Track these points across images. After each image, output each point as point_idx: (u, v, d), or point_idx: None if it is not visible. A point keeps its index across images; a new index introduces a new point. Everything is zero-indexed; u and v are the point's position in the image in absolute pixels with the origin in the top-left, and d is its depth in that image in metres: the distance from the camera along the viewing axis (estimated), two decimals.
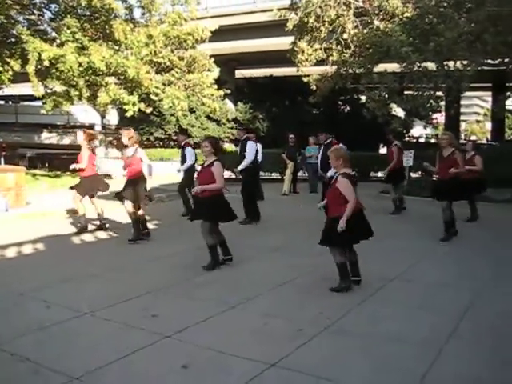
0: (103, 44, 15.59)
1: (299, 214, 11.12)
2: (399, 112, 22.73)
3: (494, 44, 12.87)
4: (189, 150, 10.65)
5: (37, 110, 27.13)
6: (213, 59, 17.97)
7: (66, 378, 3.72)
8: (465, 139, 42.60)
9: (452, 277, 6.41)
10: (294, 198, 14.66)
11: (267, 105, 26.82)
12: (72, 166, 9.29)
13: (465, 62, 14.49)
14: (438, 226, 8.46)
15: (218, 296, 5.61)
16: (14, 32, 15.61)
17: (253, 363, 3.97)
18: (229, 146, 24.15)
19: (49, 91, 16.65)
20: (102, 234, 9.08)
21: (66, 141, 31.78)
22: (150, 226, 8.84)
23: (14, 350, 4.16)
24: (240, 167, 9.96)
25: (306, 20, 18.36)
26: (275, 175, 19.42)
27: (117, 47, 15.99)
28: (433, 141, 34.61)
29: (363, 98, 23.85)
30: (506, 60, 14.96)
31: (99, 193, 9.51)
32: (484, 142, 37.59)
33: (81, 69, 14.92)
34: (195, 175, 10.04)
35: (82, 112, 35.11)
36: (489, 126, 50.09)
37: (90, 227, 9.36)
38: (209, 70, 18.08)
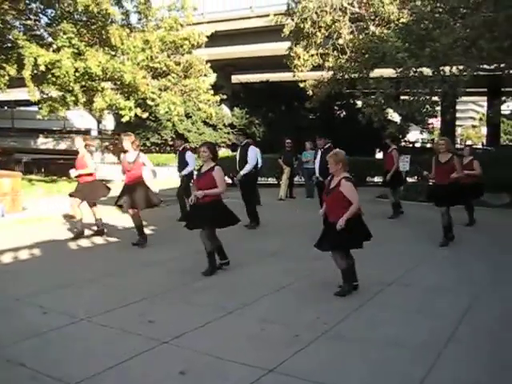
0: (100, 49, 15.58)
1: (296, 219, 11.13)
2: (395, 117, 22.81)
3: (490, 50, 12.91)
4: (190, 155, 10.65)
5: (33, 115, 27.10)
6: (209, 64, 17.97)
7: None
8: (460, 144, 42.78)
9: (450, 281, 6.42)
10: (290, 202, 14.67)
11: (263, 110, 26.82)
12: (76, 173, 9.09)
13: (461, 68, 14.54)
14: (436, 230, 8.47)
15: (216, 301, 5.60)
16: (10, 37, 15.57)
17: (250, 369, 3.95)
18: (225, 151, 24.13)
19: (45, 96, 16.62)
20: (98, 240, 9.05)
21: (62, 146, 31.68)
22: (146, 230, 8.82)
23: (10, 356, 4.13)
24: (242, 172, 9.98)
25: (302, 26, 18.40)
26: (272, 180, 19.42)
27: (113, 52, 15.97)
28: (429, 145, 34.69)
29: (359, 103, 23.90)
30: (502, 65, 15.02)
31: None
32: (479, 146, 37.71)
33: (77, 74, 14.89)
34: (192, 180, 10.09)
35: (78, 117, 35.07)
36: (484, 130, 50.25)
37: (88, 232, 9.33)
38: (205, 76, 18.07)
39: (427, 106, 15.50)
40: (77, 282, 6.28)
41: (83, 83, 15.65)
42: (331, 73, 19.25)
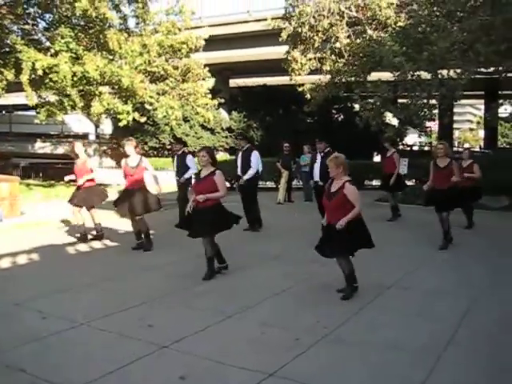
0: (97, 53, 15.59)
1: (294, 223, 11.14)
2: (393, 120, 22.82)
3: (487, 53, 12.95)
4: (190, 159, 10.65)
5: (30, 119, 27.16)
6: (207, 68, 17.99)
7: None
8: (458, 147, 42.86)
9: (450, 284, 6.42)
10: (288, 206, 14.67)
11: (261, 114, 26.86)
12: (83, 181, 9.10)
13: (458, 71, 14.57)
14: (436, 233, 8.49)
15: (215, 305, 5.60)
16: (8, 42, 15.59)
17: (250, 373, 3.95)
18: (223, 155, 24.15)
19: (42, 101, 16.62)
20: (97, 244, 9.04)
21: (60, 150, 31.67)
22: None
23: (9, 361, 4.12)
24: (246, 177, 10.02)
25: (299, 30, 18.43)
26: (270, 184, 19.43)
27: (111, 57, 15.97)
28: (426, 149, 34.77)
29: (357, 107, 23.93)
30: (500, 69, 15.06)
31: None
32: (477, 149, 37.77)
33: (75, 78, 14.90)
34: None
35: (76, 121, 35.09)
36: (482, 133, 50.36)
37: (87, 237, 9.31)
38: (203, 79, 18.09)
39: (425, 110, 15.51)
40: (76, 287, 6.27)
41: (81, 87, 15.65)
42: (329, 76, 19.28)
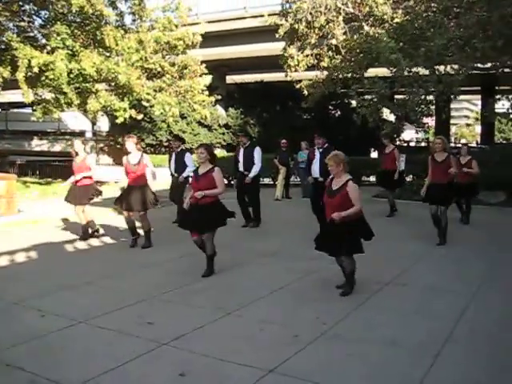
0: (94, 50, 15.54)
1: (292, 219, 11.15)
2: (390, 117, 22.83)
3: (484, 49, 12.96)
4: (189, 156, 10.66)
5: (27, 117, 27.05)
6: (204, 65, 17.96)
7: None
8: (455, 143, 42.90)
9: (448, 280, 6.44)
10: (286, 203, 14.67)
11: (258, 110, 26.83)
12: (80, 176, 9.08)
13: (455, 67, 14.58)
14: (433, 229, 8.48)
15: (214, 302, 5.60)
16: (4, 39, 15.52)
17: (250, 370, 3.95)
18: (221, 152, 24.13)
19: (39, 98, 16.57)
20: (95, 242, 9.02)
21: (57, 148, 31.60)
22: (143, 232, 8.77)
23: (9, 360, 4.12)
24: (251, 175, 10.08)
25: (296, 27, 18.41)
26: (267, 180, 19.41)
27: (108, 53, 15.94)
28: (423, 144, 34.78)
29: (354, 103, 23.93)
30: (497, 64, 15.09)
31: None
32: (474, 145, 37.82)
33: (71, 76, 14.85)
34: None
35: (72, 119, 35.00)
36: (478, 129, 50.42)
37: (78, 235, 9.27)
38: (200, 76, 18.05)
39: (422, 106, 15.53)
40: (74, 285, 6.26)
41: (77, 85, 15.60)
42: (326, 73, 19.27)
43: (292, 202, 14.62)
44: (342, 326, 4.90)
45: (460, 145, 28.40)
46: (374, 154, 26.61)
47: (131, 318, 5.10)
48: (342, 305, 5.46)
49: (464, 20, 13.73)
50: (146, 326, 4.89)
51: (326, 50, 19.04)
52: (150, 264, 7.35)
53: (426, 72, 15.05)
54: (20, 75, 14.43)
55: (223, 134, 26.44)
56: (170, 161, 11.09)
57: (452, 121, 43.94)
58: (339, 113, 27.76)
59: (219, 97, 19.70)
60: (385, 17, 17.34)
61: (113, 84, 16.29)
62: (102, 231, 9.44)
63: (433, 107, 18.13)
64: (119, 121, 16.59)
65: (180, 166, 10.57)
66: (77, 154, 9.23)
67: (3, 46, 15.92)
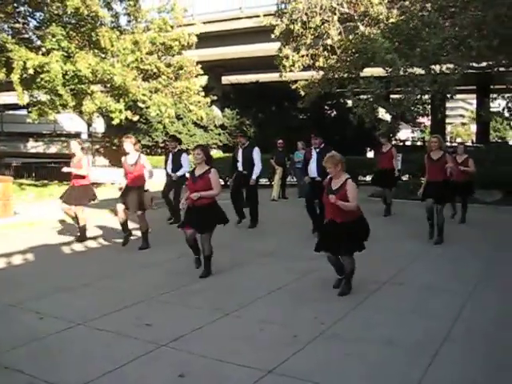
0: (89, 52, 15.52)
1: (289, 219, 11.14)
2: (386, 116, 22.87)
3: (479, 48, 13.00)
4: (185, 157, 10.67)
5: (22, 118, 26.94)
6: (199, 66, 17.95)
7: None
8: (450, 142, 42.99)
9: (445, 279, 6.45)
10: (283, 203, 14.67)
11: (254, 110, 26.85)
12: (69, 170, 9.13)
13: (451, 66, 14.62)
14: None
15: (212, 303, 5.59)
16: None
17: (249, 370, 3.95)
18: (217, 153, 24.12)
19: (34, 100, 16.54)
20: (92, 243, 9.00)
21: (53, 149, 31.52)
22: (139, 233, 8.75)
23: (7, 362, 4.10)
24: (254, 176, 10.16)
25: (292, 27, 18.42)
26: (264, 181, 19.40)
27: (103, 55, 15.92)
28: (419, 143, 34.86)
29: (349, 103, 23.95)
30: (492, 63, 15.14)
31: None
32: (469, 144, 37.91)
33: (67, 77, 14.82)
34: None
35: (68, 120, 34.90)
36: (474, 128, 50.52)
37: (73, 237, 9.24)
38: (196, 77, 18.05)
39: (418, 106, 15.57)
40: (72, 286, 6.24)
41: (72, 86, 15.57)
42: (322, 73, 19.29)
43: (288, 203, 14.62)
44: (341, 325, 4.90)
45: (456, 144, 28.43)
46: (370, 154, 26.69)
47: (129, 319, 5.09)
48: (341, 304, 5.46)
49: (459, 20, 13.78)
50: (145, 327, 4.88)
51: (321, 51, 19.04)
52: (147, 265, 7.33)
53: (422, 72, 15.08)
54: (15, 77, 14.41)
55: (219, 134, 26.44)
56: (166, 161, 11.10)
57: (447, 120, 44.00)
58: (335, 113, 27.81)
59: (215, 97, 19.69)
60: (380, 17, 17.36)
61: (108, 85, 16.29)
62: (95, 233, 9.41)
63: (428, 107, 18.19)
64: (115, 122, 16.58)
65: (177, 166, 10.61)
66: (74, 154, 9.23)
67: None
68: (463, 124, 72.47)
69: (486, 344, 4.46)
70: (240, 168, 10.29)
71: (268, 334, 4.72)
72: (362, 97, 17.61)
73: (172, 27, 16.83)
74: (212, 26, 21.99)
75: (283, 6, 19.32)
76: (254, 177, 10.17)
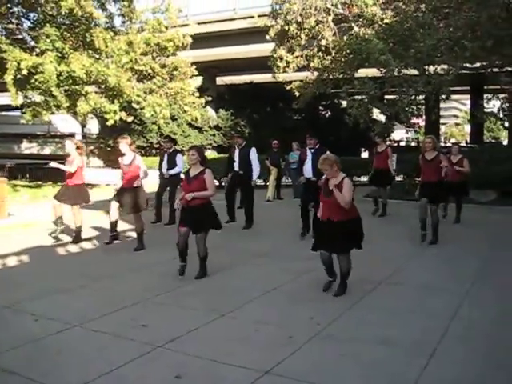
0: (83, 52, 15.48)
1: (284, 220, 11.14)
2: (380, 117, 22.89)
3: (473, 49, 13.06)
4: (180, 157, 10.69)
5: (16, 119, 26.88)
6: (194, 66, 17.94)
7: None
8: (445, 142, 43.09)
9: (441, 278, 6.47)
10: (278, 203, 14.69)
11: (248, 111, 26.84)
12: (56, 165, 9.10)
13: (445, 67, 14.67)
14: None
15: (208, 304, 5.59)
16: None
17: (245, 371, 3.96)
18: (211, 153, 24.10)
19: (28, 101, 16.48)
20: (87, 244, 8.98)
21: (47, 151, 31.41)
22: (134, 234, 8.74)
23: (3, 365, 4.09)
24: (255, 177, 10.29)
25: (286, 28, 18.44)
26: (259, 181, 19.38)
27: (97, 56, 15.89)
28: (413, 144, 34.91)
29: (344, 103, 23.97)
30: (486, 64, 15.21)
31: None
32: (463, 144, 38.03)
33: (61, 78, 14.78)
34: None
35: (62, 121, 34.75)
36: (467, 128, 50.68)
37: (68, 238, 9.20)
38: (191, 78, 18.04)
39: (412, 107, 15.61)
40: (68, 288, 6.23)
41: (66, 87, 15.53)
42: (316, 74, 19.31)
43: (283, 203, 14.63)
44: (336, 326, 4.91)
45: (450, 144, 28.53)
46: (365, 155, 26.73)
47: (125, 320, 5.09)
48: (336, 305, 5.48)
49: (453, 21, 13.83)
50: (141, 328, 4.87)
51: (316, 51, 19.05)
52: (142, 266, 7.32)
53: (416, 72, 15.12)
54: (9, 78, 14.35)
55: (214, 135, 26.42)
56: (161, 161, 11.09)
57: (441, 120, 44.11)
58: (330, 113, 27.83)
59: (209, 98, 19.68)
60: (374, 18, 17.39)
61: (103, 86, 16.25)
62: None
63: (423, 107, 18.23)
64: (109, 123, 16.54)
65: (172, 166, 10.64)
66: (69, 154, 9.20)
67: None
68: (457, 124, 72.72)
69: (484, 342, 4.48)
70: (236, 168, 10.30)
71: (263, 334, 4.72)
72: (356, 97, 17.63)
73: (166, 28, 16.82)
74: (206, 27, 22.00)
75: (277, 6, 19.32)
76: (254, 177, 10.28)
